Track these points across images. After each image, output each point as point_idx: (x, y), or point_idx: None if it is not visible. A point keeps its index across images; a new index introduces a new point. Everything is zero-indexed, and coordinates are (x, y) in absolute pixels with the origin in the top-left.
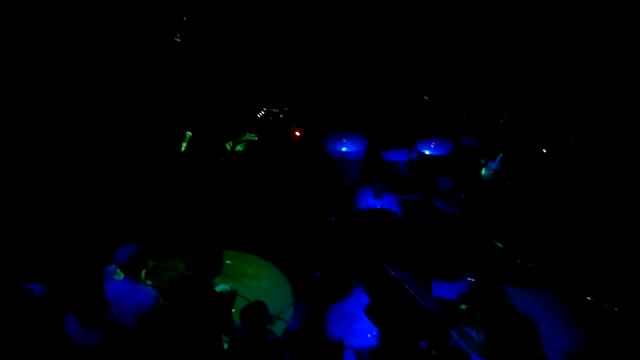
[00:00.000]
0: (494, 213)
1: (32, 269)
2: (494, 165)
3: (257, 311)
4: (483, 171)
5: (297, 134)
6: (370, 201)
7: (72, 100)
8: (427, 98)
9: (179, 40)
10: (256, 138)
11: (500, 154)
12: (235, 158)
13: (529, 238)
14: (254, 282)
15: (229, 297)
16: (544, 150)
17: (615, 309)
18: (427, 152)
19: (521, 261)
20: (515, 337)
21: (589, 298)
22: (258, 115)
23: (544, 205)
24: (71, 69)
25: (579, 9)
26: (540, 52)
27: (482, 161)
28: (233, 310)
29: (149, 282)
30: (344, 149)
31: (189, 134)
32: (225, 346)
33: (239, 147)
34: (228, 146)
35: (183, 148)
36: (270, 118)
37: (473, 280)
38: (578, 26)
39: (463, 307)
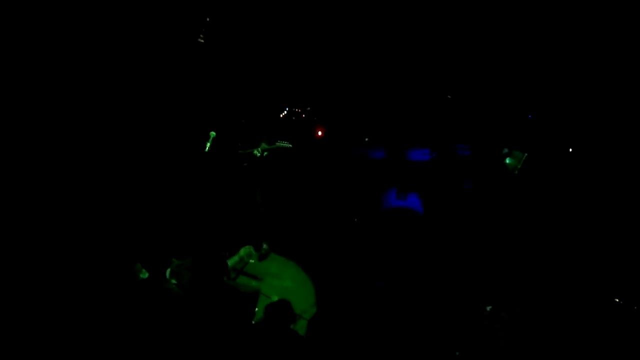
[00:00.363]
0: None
1: None
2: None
3: (281, 310)
4: (508, 160)
5: (320, 133)
6: (393, 201)
7: (99, 102)
8: (450, 97)
9: (202, 41)
10: (290, 145)
11: (525, 154)
12: (262, 163)
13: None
14: (277, 281)
15: (252, 295)
16: (570, 150)
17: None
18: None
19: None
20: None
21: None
22: (281, 115)
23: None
24: (97, 71)
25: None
26: (566, 50)
27: (505, 150)
28: (256, 309)
29: (173, 281)
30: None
31: (212, 134)
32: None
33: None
34: (257, 152)
35: (207, 148)
36: (293, 118)
37: (495, 280)
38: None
39: (488, 308)
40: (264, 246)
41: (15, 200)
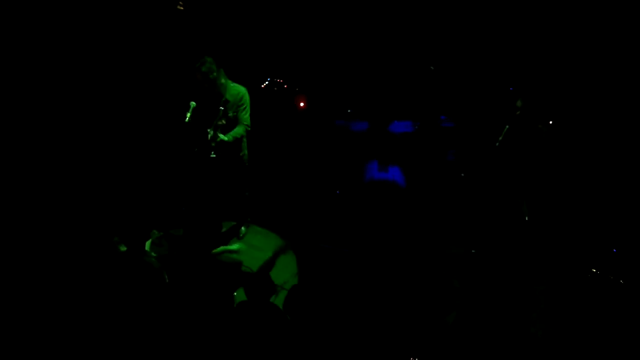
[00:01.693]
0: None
1: None
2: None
3: (262, 282)
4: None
5: (302, 104)
6: (375, 173)
7: (78, 70)
8: (433, 68)
9: (182, 8)
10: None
11: (507, 127)
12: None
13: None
14: (259, 253)
15: (234, 267)
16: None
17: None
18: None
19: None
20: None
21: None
22: (262, 85)
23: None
24: (76, 37)
25: None
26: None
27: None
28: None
29: (153, 254)
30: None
31: (193, 104)
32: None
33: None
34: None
35: (187, 119)
36: (275, 88)
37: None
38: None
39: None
40: (242, 229)
41: None
